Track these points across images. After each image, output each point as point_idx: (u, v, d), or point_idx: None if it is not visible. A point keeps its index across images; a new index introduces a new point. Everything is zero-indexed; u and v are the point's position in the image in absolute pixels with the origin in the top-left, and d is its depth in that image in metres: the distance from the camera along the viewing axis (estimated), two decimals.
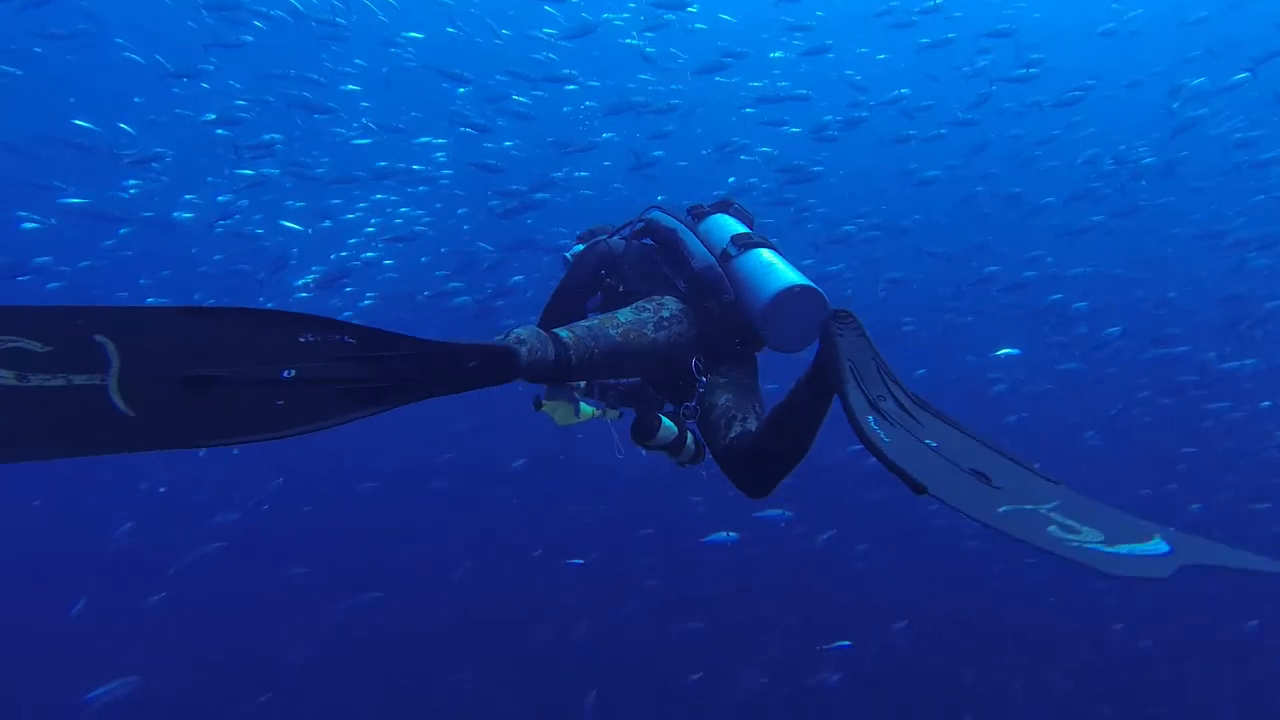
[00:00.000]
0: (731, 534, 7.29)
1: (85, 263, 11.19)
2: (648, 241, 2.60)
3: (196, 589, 9.17)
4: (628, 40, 14.41)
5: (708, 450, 2.26)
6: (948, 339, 13.86)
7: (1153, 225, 14.93)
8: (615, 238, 2.70)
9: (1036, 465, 1.44)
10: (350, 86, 12.81)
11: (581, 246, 2.76)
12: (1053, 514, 1.22)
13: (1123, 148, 14.05)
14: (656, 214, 2.58)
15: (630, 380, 2.54)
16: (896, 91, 12.98)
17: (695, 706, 7.84)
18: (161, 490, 10.97)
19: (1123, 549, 1.11)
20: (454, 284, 10.08)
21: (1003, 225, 14.99)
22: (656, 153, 11.17)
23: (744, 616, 8.87)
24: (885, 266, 12.57)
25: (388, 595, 9.35)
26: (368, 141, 12.26)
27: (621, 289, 2.48)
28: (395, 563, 10.04)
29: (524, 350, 1.74)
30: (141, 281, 11.92)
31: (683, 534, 9.11)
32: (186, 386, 1.06)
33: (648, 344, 2.15)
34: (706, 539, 7.42)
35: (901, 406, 1.60)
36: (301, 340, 1.17)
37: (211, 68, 11.02)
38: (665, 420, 2.21)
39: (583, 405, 2.26)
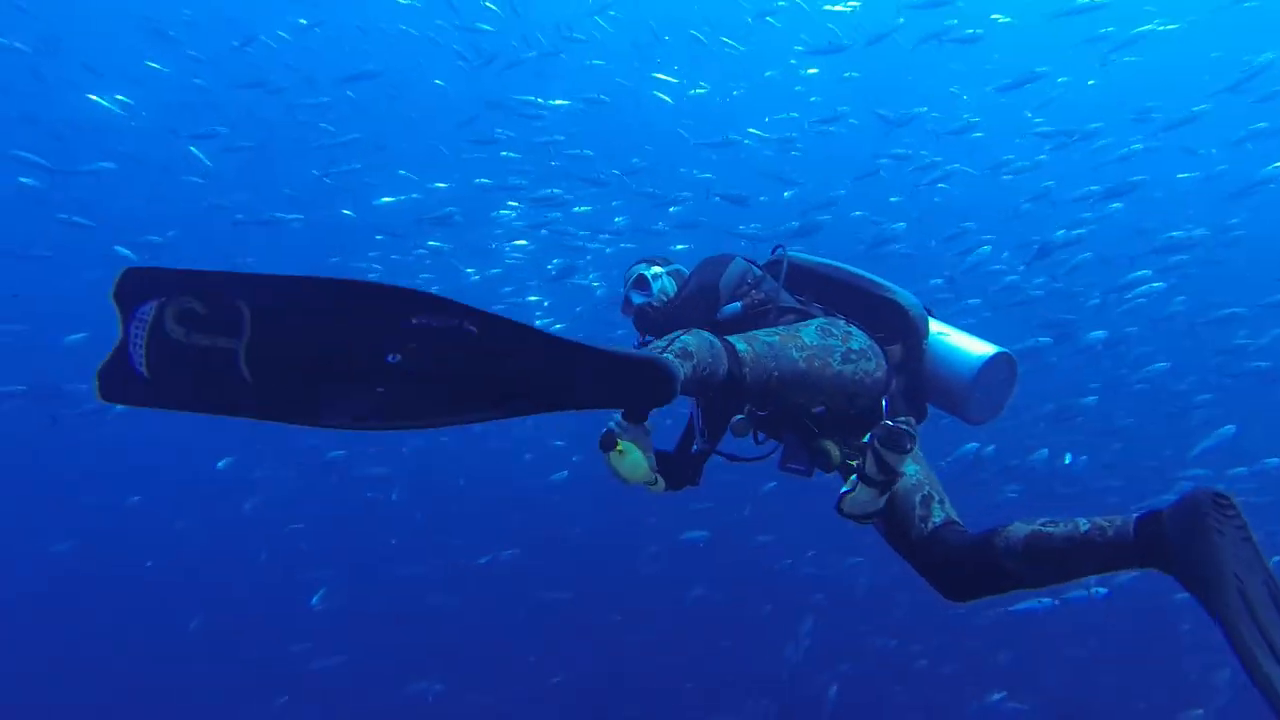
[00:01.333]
0: (1099, 590, 6.19)
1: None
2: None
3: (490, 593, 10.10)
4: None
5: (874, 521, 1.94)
6: None
7: None
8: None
9: None
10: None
11: (655, 269, 2.49)
12: None
13: None
14: (794, 252, 2.37)
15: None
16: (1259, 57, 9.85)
17: None
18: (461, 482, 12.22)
19: None
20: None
21: None
22: (953, 165, 10.33)
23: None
24: (1219, 287, 10.36)
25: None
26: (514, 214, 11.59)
27: (774, 306, 2.17)
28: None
29: (688, 368, 1.48)
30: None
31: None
32: (296, 363, 1.08)
33: (830, 376, 1.91)
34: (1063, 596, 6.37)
35: None
36: (414, 322, 1.05)
37: (500, 133, 11.88)
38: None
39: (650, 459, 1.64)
